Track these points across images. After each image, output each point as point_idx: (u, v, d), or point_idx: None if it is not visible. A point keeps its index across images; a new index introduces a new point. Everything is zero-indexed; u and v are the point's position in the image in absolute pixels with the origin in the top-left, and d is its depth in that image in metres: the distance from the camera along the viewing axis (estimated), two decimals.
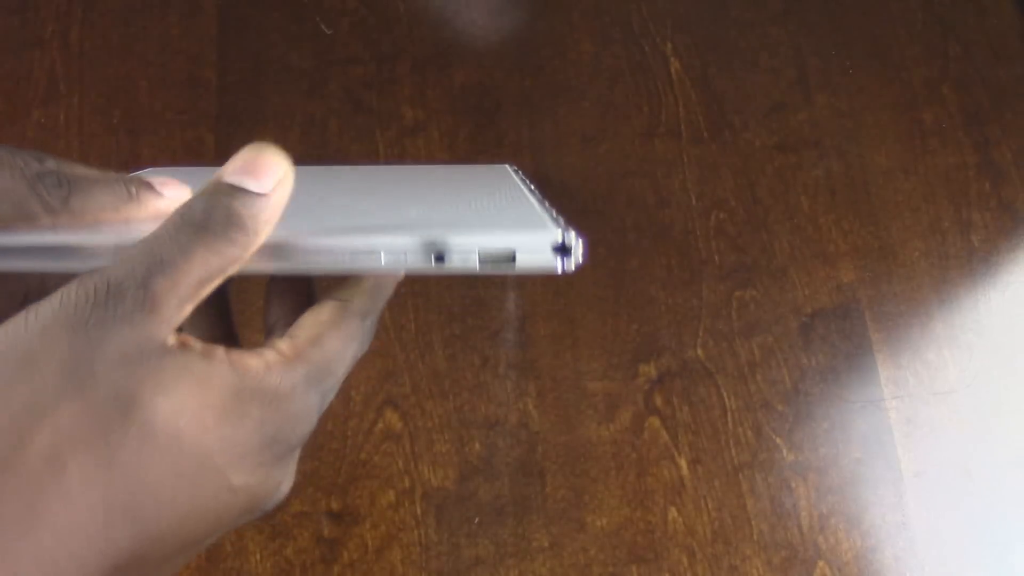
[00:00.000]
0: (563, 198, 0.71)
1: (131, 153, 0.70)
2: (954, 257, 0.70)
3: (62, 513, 0.20)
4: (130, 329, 0.21)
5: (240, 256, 0.23)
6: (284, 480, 0.25)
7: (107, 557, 0.21)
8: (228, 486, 0.23)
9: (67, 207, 0.27)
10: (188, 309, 0.23)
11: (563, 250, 0.27)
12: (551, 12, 0.76)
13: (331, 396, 0.26)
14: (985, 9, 0.77)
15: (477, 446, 0.64)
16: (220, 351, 0.23)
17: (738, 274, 0.68)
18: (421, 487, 0.62)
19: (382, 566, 0.61)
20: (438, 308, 0.66)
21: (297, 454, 0.25)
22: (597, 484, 0.63)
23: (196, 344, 0.23)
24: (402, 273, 0.29)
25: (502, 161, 0.71)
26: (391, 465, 0.63)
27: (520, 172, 0.36)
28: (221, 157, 0.70)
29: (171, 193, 0.30)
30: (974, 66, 0.75)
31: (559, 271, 0.27)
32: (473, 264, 0.27)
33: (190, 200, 0.23)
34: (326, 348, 0.25)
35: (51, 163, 0.29)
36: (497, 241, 0.27)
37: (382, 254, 0.26)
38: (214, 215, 0.23)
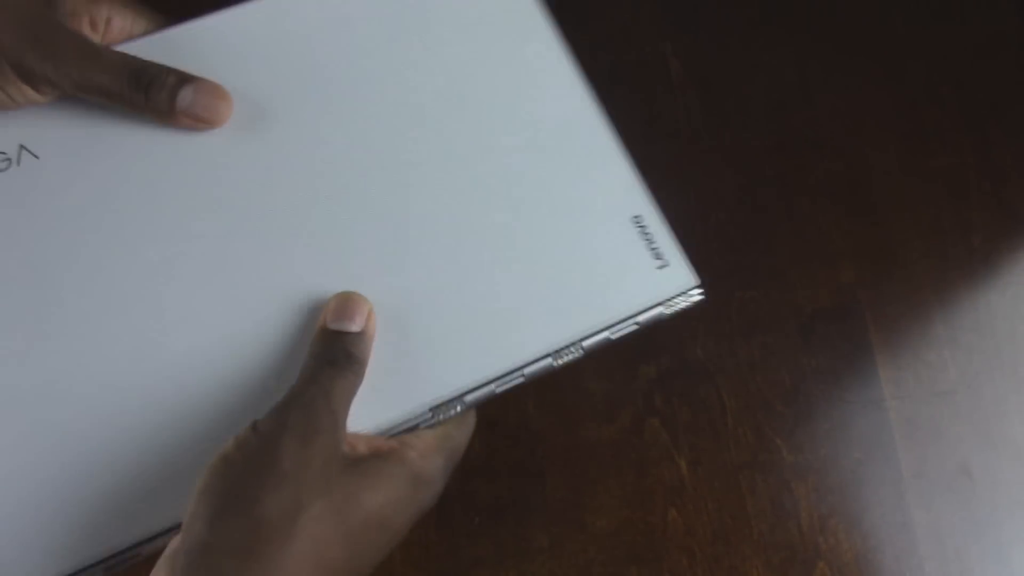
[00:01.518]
0: None
1: None
2: (954, 257, 0.70)
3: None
4: (333, 444, 0.29)
5: (359, 380, 0.31)
6: None
7: None
8: (394, 546, 0.32)
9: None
10: (345, 427, 0.30)
11: (700, 286, 0.32)
12: (551, 12, 0.76)
13: (450, 474, 0.34)
14: (985, 9, 0.77)
15: (477, 446, 0.64)
16: (391, 449, 0.31)
17: (738, 274, 0.68)
18: None
19: (382, 566, 0.61)
20: None
21: None
22: (597, 484, 0.63)
23: (362, 446, 0.31)
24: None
25: None
26: None
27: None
28: None
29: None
30: (974, 66, 0.75)
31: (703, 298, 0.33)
32: (549, 366, 0.35)
33: (314, 347, 0.31)
34: (455, 440, 0.34)
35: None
36: (638, 318, 0.34)
37: (467, 398, 0.34)
38: (338, 356, 0.30)
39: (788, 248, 0.69)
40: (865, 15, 0.77)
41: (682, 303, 0.32)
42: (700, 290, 0.32)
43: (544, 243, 0.32)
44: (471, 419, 0.36)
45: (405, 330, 0.32)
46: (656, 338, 0.67)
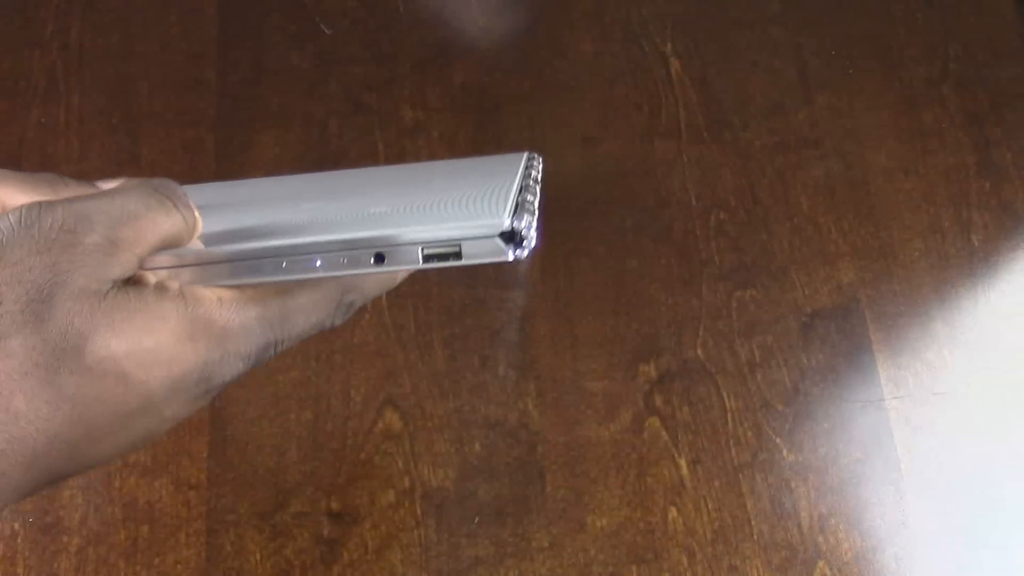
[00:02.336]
0: (563, 198, 0.70)
1: (131, 153, 0.70)
2: (954, 257, 0.70)
3: (1, 438, 0.20)
4: (91, 267, 0.21)
5: (185, 231, 0.24)
6: (195, 409, 0.25)
7: (37, 479, 0.22)
8: (160, 418, 0.23)
9: None
10: (135, 268, 0.23)
11: (512, 238, 0.25)
12: (551, 12, 0.76)
13: (276, 351, 0.25)
14: (985, 9, 0.77)
15: (477, 446, 0.64)
16: (174, 284, 0.23)
17: (738, 274, 0.68)
18: (421, 487, 0.62)
19: (382, 566, 0.61)
20: (438, 308, 0.66)
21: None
22: (597, 484, 0.63)
23: (150, 278, 0.23)
24: (399, 275, 0.29)
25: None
26: (391, 465, 0.63)
27: (537, 160, 0.34)
28: (221, 157, 0.70)
29: None
30: (974, 66, 0.75)
31: (510, 259, 0.26)
32: (415, 260, 0.26)
33: (143, 179, 0.24)
34: (289, 300, 0.25)
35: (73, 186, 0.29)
36: (441, 234, 0.26)
37: (317, 259, 0.25)
38: (170, 186, 0.24)
39: (788, 248, 0.69)
40: (865, 15, 0.77)
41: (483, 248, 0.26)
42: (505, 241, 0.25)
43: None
44: (329, 293, 0.27)
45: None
46: (656, 338, 0.67)
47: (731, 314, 0.67)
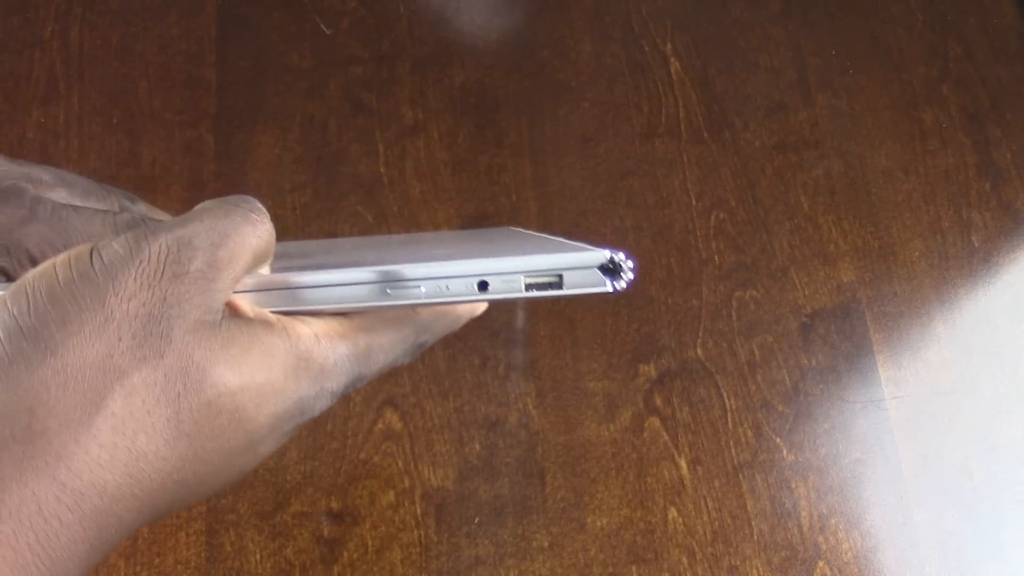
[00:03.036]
0: (563, 198, 0.70)
1: (131, 153, 0.70)
2: (954, 257, 0.70)
3: (122, 479, 0.20)
4: (200, 295, 0.21)
5: (271, 245, 0.24)
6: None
7: (143, 521, 0.21)
8: (255, 455, 0.23)
9: None
10: (232, 290, 0.22)
11: (611, 269, 0.27)
12: (551, 12, 0.76)
13: (356, 386, 0.25)
14: (985, 9, 0.77)
15: (477, 446, 0.64)
16: (274, 319, 0.23)
17: (738, 274, 0.68)
18: (421, 487, 0.62)
19: (382, 566, 0.61)
20: None
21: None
22: (597, 484, 0.63)
23: (248, 309, 0.23)
24: (474, 309, 0.31)
25: (504, 160, 0.71)
26: (391, 465, 0.63)
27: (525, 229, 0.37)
28: (221, 157, 0.70)
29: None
30: (974, 66, 0.75)
31: (610, 290, 0.27)
32: (519, 289, 0.27)
33: (219, 199, 0.23)
34: (374, 338, 0.25)
35: (142, 207, 0.30)
36: (542, 264, 0.27)
37: (422, 285, 0.26)
38: (248, 200, 0.23)
39: (788, 248, 0.69)
40: (865, 15, 0.77)
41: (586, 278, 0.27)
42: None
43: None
44: (407, 333, 0.27)
45: None
46: (656, 338, 0.67)
47: (731, 314, 0.67)
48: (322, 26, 0.74)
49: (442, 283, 0.27)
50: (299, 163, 0.70)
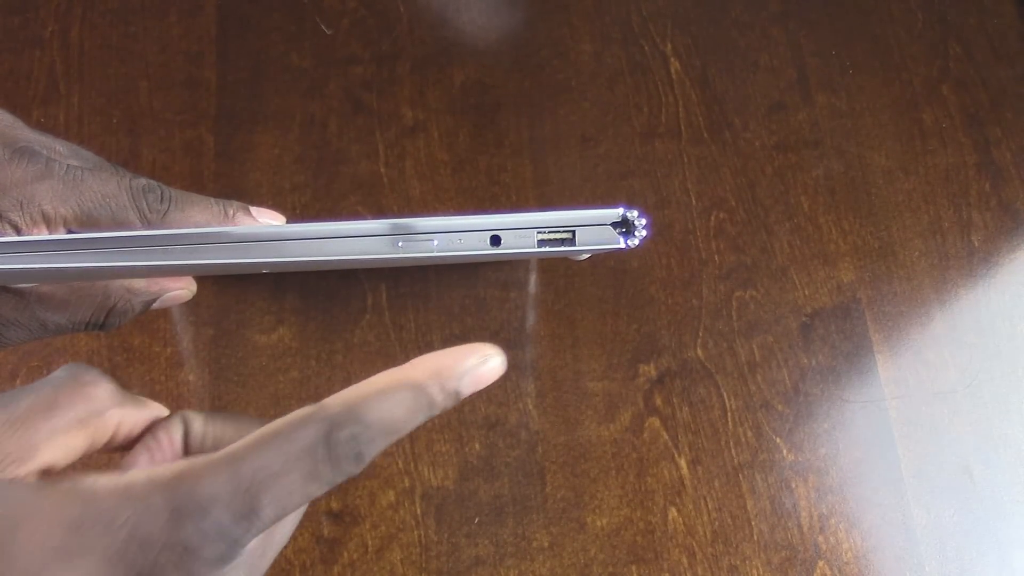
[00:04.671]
0: (563, 198, 0.70)
1: (131, 153, 0.70)
2: (954, 257, 0.70)
3: None
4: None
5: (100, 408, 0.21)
6: None
7: None
8: None
9: (164, 221, 0.27)
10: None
11: (625, 227, 0.26)
12: (551, 12, 0.76)
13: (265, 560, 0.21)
14: (985, 9, 0.77)
15: (477, 446, 0.64)
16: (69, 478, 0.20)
17: (738, 274, 0.68)
18: (421, 487, 0.62)
19: (382, 566, 0.61)
20: (438, 308, 0.66)
21: None
22: (597, 484, 0.63)
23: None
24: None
25: (504, 160, 0.71)
26: (391, 465, 0.63)
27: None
28: (221, 157, 0.70)
29: (266, 219, 0.30)
30: (974, 66, 0.75)
31: (623, 247, 0.26)
32: (531, 244, 0.26)
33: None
34: (256, 457, 0.19)
35: (152, 181, 0.30)
36: (556, 219, 0.26)
37: (435, 238, 0.25)
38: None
39: (788, 248, 0.69)
40: (865, 15, 0.77)
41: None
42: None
43: None
44: (309, 443, 0.21)
45: None
46: (656, 338, 0.67)
47: (731, 314, 0.67)
48: (322, 26, 0.74)
49: (455, 236, 0.26)
50: (299, 163, 0.70)
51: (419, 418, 0.23)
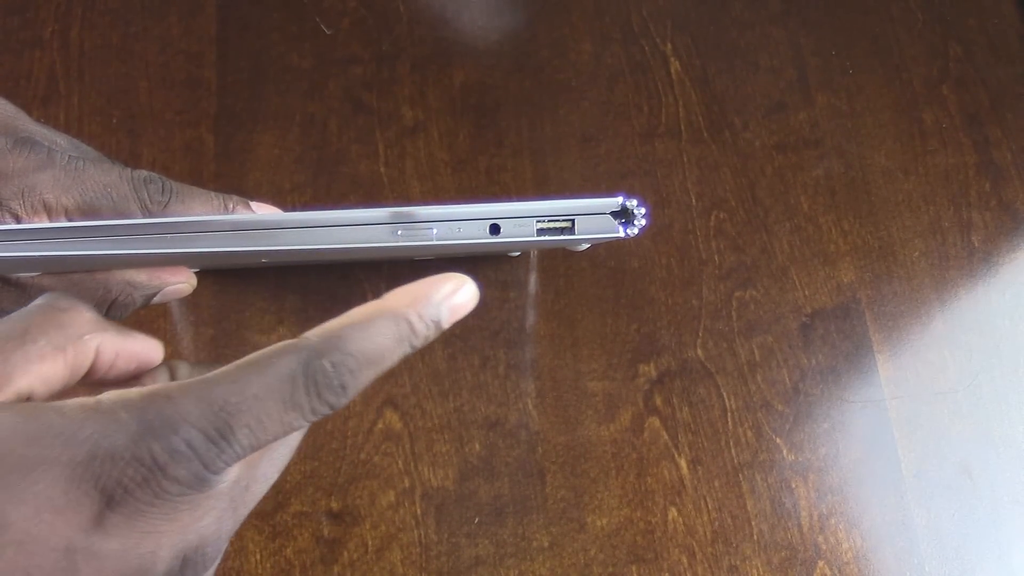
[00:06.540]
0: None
1: (131, 153, 0.70)
2: (954, 257, 0.70)
3: None
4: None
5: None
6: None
7: None
8: None
9: (165, 212, 0.28)
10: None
11: (624, 216, 0.26)
12: (551, 12, 0.76)
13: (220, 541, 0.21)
14: (985, 9, 0.77)
15: (477, 446, 0.64)
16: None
17: (738, 274, 0.68)
18: (421, 487, 0.62)
19: (382, 566, 0.61)
20: None
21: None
22: (597, 484, 0.63)
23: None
24: (466, 304, 0.26)
25: (504, 160, 0.71)
26: (391, 465, 0.63)
27: None
28: (221, 157, 0.70)
29: (265, 212, 0.31)
30: (974, 66, 0.75)
31: (623, 236, 0.26)
32: (531, 233, 0.26)
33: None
34: (234, 388, 0.19)
35: (153, 173, 0.30)
36: (556, 208, 0.26)
37: (434, 226, 0.25)
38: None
39: (788, 248, 0.69)
40: (865, 15, 0.77)
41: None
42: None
43: None
44: (284, 374, 0.21)
45: None
46: (656, 338, 0.67)
47: (731, 314, 0.67)
48: (322, 26, 0.74)
49: (455, 225, 0.26)
50: (299, 163, 0.70)
51: (402, 348, 0.24)
